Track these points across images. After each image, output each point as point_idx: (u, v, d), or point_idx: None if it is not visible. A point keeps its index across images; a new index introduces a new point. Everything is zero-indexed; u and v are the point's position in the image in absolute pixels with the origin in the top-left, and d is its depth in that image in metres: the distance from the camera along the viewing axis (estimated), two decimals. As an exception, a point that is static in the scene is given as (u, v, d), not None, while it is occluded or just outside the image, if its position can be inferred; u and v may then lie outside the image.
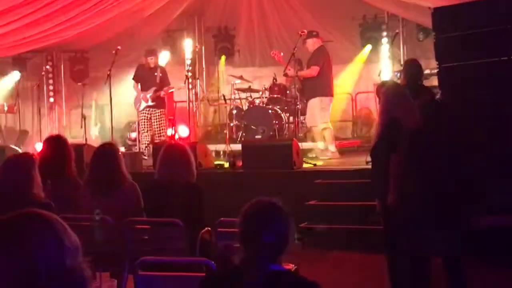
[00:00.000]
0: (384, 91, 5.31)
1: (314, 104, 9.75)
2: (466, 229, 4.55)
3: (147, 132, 10.76)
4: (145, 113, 10.69)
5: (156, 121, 10.68)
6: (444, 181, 4.54)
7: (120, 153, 5.15)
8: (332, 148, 9.95)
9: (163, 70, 10.83)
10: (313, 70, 9.68)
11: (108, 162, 4.96)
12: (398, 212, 4.76)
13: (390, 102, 5.13)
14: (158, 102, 10.69)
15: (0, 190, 4.05)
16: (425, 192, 4.55)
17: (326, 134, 9.96)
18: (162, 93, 10.64)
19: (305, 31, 9.93)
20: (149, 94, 10.53)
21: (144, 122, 10.75)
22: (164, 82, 10.68)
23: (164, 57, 12.65)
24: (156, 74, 10.62)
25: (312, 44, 9.86)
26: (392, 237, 5.04)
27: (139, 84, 10.75)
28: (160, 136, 10.65)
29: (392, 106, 5.06)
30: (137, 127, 11.06)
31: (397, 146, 4.80)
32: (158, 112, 10.67)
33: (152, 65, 10.69)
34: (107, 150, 5.11)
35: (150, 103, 10.57)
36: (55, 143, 5.36)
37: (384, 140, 5.02)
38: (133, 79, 10.87)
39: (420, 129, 4.70)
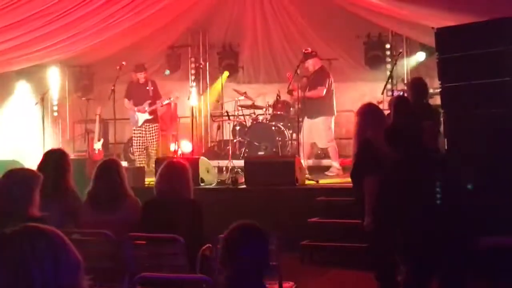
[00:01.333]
0: (358, 112, 5.35)
1: (319, 123, 9.82)
2: (466, 250, 4.53)
3: (143, 148, 10.81)
4: (142, 129, 10.74)
5: (152, 136, 10.74)
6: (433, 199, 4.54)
7: (123, 168, 5.16)
8: (337, 165, 10.03)
9: (154, 84, 10.91)
10: (320, 91, 9.78)
11: (111, 177, 4.96)
12: (377, 233, 4.80)
13: (363, 124, 5.18)
14: (154, 117, 10.78)
15: None
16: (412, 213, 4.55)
17: (331, 151, 10.08)
18: (159, 105, 10.71)
19: (309, 49, 10.00)
20: (145, 107, 10.59)
21: (140, 138, 10.80)
22: (156, 95, 10.76)
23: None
24: (148, 88, 10.70)
25: (312, 64, 9.97)
26: (377, 258, 5.09)
27: (131, 101, 10.79)
28: (157, 151, 10.70)
29: (365, 128, 5.11)
30: (134, 143, 11.08)
31: (372, 168, 4.82)
32: (154, 127, 10.76)
33: (142, 80, 10.75)
34: (110, 165, 5.11)
35: (148, 116, 10.62)
36: (54, 156, 5.36)
37: (358, 162, 5.06)
38: (125, 97, 10.88)
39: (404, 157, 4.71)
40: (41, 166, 5.11)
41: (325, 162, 10.70)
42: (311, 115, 9.89)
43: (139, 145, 10.84)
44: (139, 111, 10.64)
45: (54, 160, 5.26)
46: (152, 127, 10.77)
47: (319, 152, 11.33)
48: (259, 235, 2.63)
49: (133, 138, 11.03)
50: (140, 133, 10.80)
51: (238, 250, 2.55)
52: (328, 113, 9.95)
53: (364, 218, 4.95)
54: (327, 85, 9.84)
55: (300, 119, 10.25)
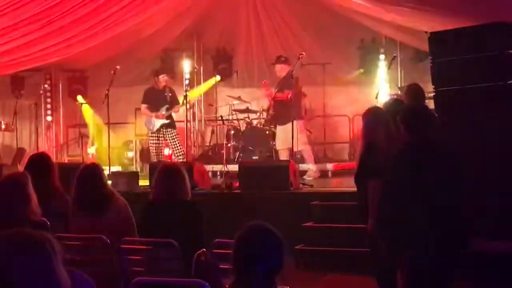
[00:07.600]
0: (364, 115, 5.40)
1: (290, 127, 9.78)
2: (461, 253, 4.51)
3: (161, 155, 10.72)
4: (159, 135, 10.64)
5: (173, 142, 10.63)
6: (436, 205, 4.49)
7: (104, 172, 5.19)
8: (313, 167, 10.04)
9: (172, 90, 10.85)
10: (286, 94, 9.80)
11: (91, 181, 4.97)
12: (378, 237, 4.79)
13: (368, 127, 5.22)
14: (171, 121, 10.69)
15: None
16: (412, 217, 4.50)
17: (306, 154, 10.08)
18: (176, 110, 10.66)
19: (303, 53, 10.00)
20: (162, 112, 10.54)
21: (156, 144, 10.69)
22: (173, 101, 10.68)
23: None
24: (166, 94, 10.63)
25: (280, 69, 10.02)
26: (378, 261, 5.08)
27: (148, 105, 10.70)
28: (178, 156, 10.57)
29: (370, 131, 5.15)
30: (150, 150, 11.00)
31: (376, 171, 4.83)
32: (171, 132, 10.65)
33: (163, 84, 10.69)
34: (90, 170, 5.10)
35: (165, 121, 10.57)
36: (38, 160, 5.39)
37: (363, 165, 5.08)
38: (142, 102, 10.78)
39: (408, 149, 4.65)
40: (26, 170, 5.12)
41: (304, 166, 10.56)
42: (282, 121, 9.83)
43: (156, 152, 10.72)
44: (157, 117, 10.54)
45: (38, 163, 5.29)
46: (169, 132, 10.63)
47: (298, 156, 11.15)
48: (275, 239, 2.60)
49: (150, 144, 10.93)
50: (156, 138, 10.67)
51: (253, 259, 2.52)
52: (298, 117, 9.92)
53: (368, 222, 4.97)
54: (293, 89, 9.80)
55: (272, 127, 10.24)
